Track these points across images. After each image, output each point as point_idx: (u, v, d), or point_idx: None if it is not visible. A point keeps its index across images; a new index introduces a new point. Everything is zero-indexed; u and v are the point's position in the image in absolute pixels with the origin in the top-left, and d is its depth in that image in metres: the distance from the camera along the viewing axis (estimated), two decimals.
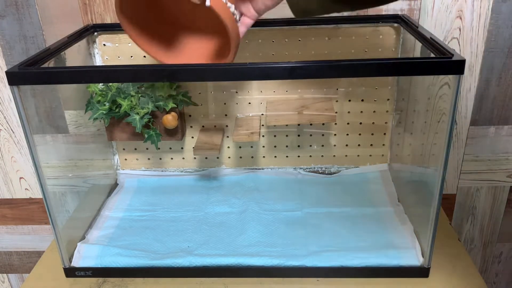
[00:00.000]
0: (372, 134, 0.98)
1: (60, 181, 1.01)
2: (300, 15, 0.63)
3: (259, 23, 0.68)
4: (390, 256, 0.75)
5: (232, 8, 0.61)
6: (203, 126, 0.98)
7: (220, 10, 0.59)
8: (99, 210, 0.91)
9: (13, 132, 1.05)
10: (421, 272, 0.74)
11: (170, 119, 0.87)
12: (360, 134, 0.98)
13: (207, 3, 0.58)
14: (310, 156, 1.01)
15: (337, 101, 0.94)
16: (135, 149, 1.01)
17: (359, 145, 0.99)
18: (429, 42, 0.69)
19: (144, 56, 0.90)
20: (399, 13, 0.89)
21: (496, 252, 1.17)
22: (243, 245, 0.80)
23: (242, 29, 0.66)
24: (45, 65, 0.69)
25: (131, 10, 0.67)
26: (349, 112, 0.95)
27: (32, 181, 1.11)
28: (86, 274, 0.77)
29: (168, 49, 0.74)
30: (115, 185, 1.00)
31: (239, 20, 0.65)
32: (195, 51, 0.75)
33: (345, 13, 0.86)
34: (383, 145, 0.99)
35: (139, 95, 0.86)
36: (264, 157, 1.01)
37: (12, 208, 1.15)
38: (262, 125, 0.96)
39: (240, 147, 1.00)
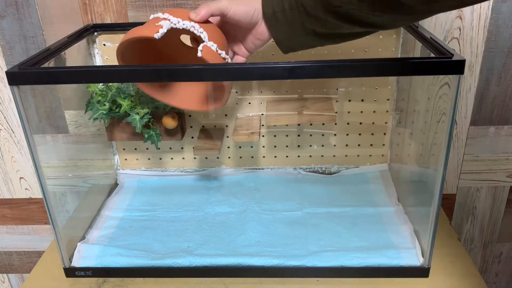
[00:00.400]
0: (372, 134, 0.98)
1: (60, 181, 1.01)
2: (287, 51, 0.68)
3: None
4: (390, 256, 0.75)
5: (223, 54, 0.66)
6: (203, 126, 0.98)
7: (212, 59, 0.64)
8: (99, 210, 0.91)
9: (13, 132, 1.05)
10: (421, 272, 0.74)
11: (170, 119, 0.87)
12: (360, 134, 0.98)
13: (199, 54, 0.63)
14: (310, 156, 1.01)
15: (337, 101, 0.94)
16: (135, 149, 1.01)
17: (359, 145, 0.99)
18: (429, 42, 0.69)
19: None
20: None
21: (496, 252, 1.17)
22: (243, 245, 0.80)
23: None
24: (45, 65, 0.69)
25: (130, 57, 0.71)
26: (349, 112, 0.95)
27: (32, 181, 1.11)
28: (86, 274, 0.77)
29: (166, 90, 0.79)
30: (115, 185, 1.00)
31: (232, 60, 0.71)
32: (191, 91, 0.79)
33: None
34: (383, 145, 0.99)
35: (139, 95, 0.86)
36: (264, 157, 1.01)
37: (12, 208, 1.15)
38: (262, 125, 0.96)
39: (240, 147, 1.00)
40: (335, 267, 0.74)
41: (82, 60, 0.87)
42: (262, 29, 0.66)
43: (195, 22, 0.64)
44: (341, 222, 0.84)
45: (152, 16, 0.65)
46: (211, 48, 0.64)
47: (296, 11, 0.62)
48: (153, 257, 0.77)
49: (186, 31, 0.64)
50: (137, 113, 0.85)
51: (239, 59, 0.72)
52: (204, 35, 0.63)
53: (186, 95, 0.79)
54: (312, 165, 1.02)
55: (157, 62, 0.78)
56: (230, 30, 0.69)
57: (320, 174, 1.01)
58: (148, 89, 0.76)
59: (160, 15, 0.64)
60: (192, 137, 0.98)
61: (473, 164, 1.04)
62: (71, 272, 0.77)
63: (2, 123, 1.03)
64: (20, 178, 1.10)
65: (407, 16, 0.58)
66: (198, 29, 0.63)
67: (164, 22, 0.62)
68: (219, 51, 0.65)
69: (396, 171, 0.96)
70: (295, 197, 0.92)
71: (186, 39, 0.74)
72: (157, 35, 0.61)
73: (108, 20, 0.92)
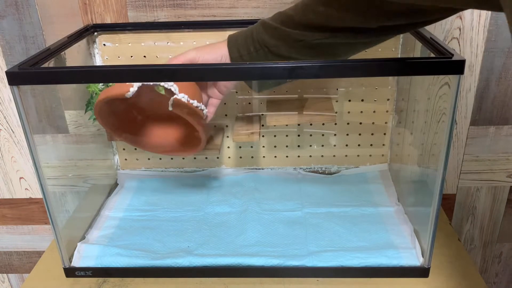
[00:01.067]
0: (372, 134, 0.98)
1: (60, 181, 1.01)
2: (260, 90, 0.75)
3: None
4: (390, 256, 0.75)
5: (195, 103, 0.69)
6: None
7: (183, 110, 0.68)
8: (99, 210, 0.91)
9: (13, 132, 1.05)
10: (421, 272, 0.74)
11: None
12: (360, 134, 0.98)
13: (170, 108, 0.67)
14: (310, 156, 1.01)
15: (337, 101, 0.94)
16: (135, 149, 1.01)
17: (359, 145, 0.99)
18: (429, 42, 0.69)
19: (144, 56, 0.90)
20: None
21: (496, 252, 1.17)
22: (243, 245, 0.80)
23: (211, 109, 0.75)
24: (45, 65, 0.69)
25: (108, 112, 0.76)
26: (349, 112, 0.95)
27: (32, 181, 1.11)
28: (86, 274, 0.77)
29: (144, 137, 0.83)
30: (115, 185, 1.00)
31: (207, 105, 0.74)
32: (168, 136, 0.83)
33: None
34: (383, 145, 0.99)
35: None
36: (264, 157, 1.01)
37: (12, 208, 1.15)
38: (262, 125, 0.96)
39: (240, 147, 1.00)
40: (335, 267, 0.74)
41: (82, 60, 0.87)
42: None
43: None
44: (341, 222, 0.84)
45: None
46: (181, 100, 0.67)
47: (261, 52, 0.64)
48: (153, 257, 0.77)
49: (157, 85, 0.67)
50: None
51: (214, 101, 0.75)
52: (174, 88, 0.67)
53: (159, 140, 0.83)
54: (312, 165, 1.02)
55: (134, 113, 0.82)
56: None
57: (320, 174, 1.01)
58: (119, 136, 0.80)
59: None
60: None
61: (473, 164, 1.04)
62: (71, 272, 0.77)
63: (2, 123, 1.03)
64: (20, 178, 1.10)
65: (368, 40, 0.60)
66: (168, 83, 0.66)
67: None
68: (191, 101, 0.68)
69: (396, 171, 0.96)
70: (295, 197, 0.92)
71: None
72: (128, 95, 0.66)
73: (108, 20, 0.92)
